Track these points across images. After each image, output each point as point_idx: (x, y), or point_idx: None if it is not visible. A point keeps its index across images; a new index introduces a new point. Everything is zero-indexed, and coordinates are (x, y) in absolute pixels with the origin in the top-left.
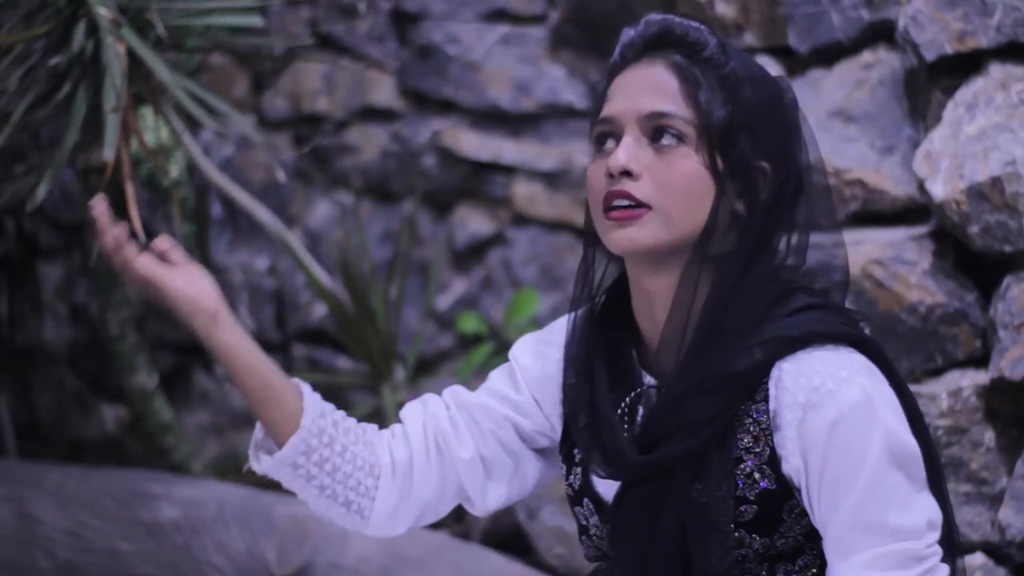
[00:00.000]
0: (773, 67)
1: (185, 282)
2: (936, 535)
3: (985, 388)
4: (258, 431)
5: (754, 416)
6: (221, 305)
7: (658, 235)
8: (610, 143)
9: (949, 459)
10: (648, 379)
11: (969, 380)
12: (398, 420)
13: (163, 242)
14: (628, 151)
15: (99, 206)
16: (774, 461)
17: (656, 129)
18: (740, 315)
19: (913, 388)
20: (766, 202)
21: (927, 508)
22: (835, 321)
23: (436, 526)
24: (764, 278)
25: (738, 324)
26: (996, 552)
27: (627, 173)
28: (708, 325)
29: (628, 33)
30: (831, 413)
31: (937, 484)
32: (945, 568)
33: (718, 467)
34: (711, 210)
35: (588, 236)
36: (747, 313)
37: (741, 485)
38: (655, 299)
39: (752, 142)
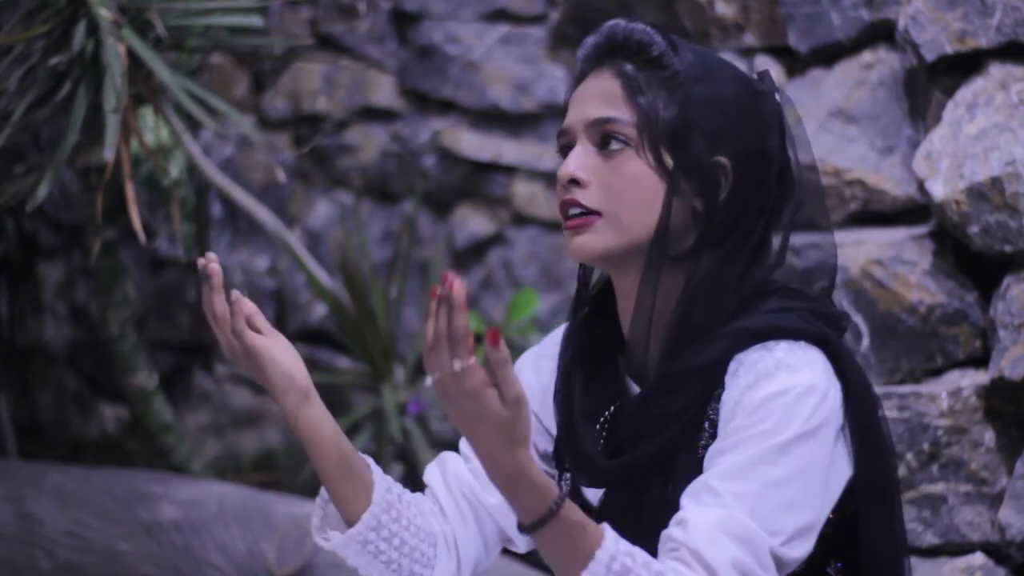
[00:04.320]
0: (773, 67)
1: (283, 356)
2: (795, 553)
3: (985, 388)
4: (319, 508)
5: (711, 416)
6: (310, 382)
7: (609, 240)
8: (563, 155)
9: (949, 459)
10: (633, 387)
11: (969, 380)
12: (398, 420)
13: (247, 305)
14: (576, 159)
15: (212, 265)
16: None
17: (603, 135)
18: (712, 318)
19: (913, 388)
20: (727, 197)
21: (798, 521)
22: (799, 319)
23: None
24: (736, 278)
25: (710, 327)
26: (996, 552)
27: (575, 181)
28: (680, 327)
29: (584, 46)
30: (765, 391)
31: (890, 501)
32: None
33: (687, 467)
34: (662, 209)
35: None
36: (718, 315)
37: None
38: (629, 301)
39: (706, 139)
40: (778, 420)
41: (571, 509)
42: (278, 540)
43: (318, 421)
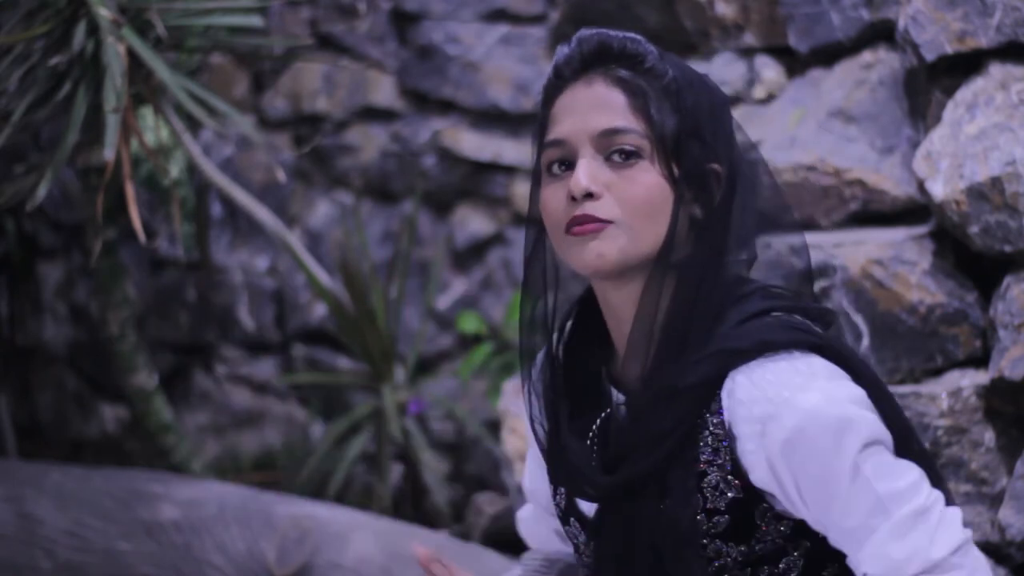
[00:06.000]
0: (773, 67)
1: None
2: (928, 484)
3: (985, 388)
4: None
5: (711, 429)
6: None
7: (626, 249)
8: (558, 166)
9: (949, 459)
10: (618, 396)
11: (969, 380)
12: (398, 420)
13: (449, 570)
14: (587, 172)
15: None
16: (739, 471)
17: (611, 147)
18: (699, 322)
19: (913, 388)
20: (721, 203)
21: (909, 467)
22: (787, 327)
23: (436, 526)
24: (720, 281)
25: (698, 332)
26: (996, 552)
27: (589, 195)
28: (671, 334)
29: (562, 51)
30: (790, 421)
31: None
32: (955, 510)
33: (682, 482)
34: (671, 218)
35: (532, 261)
36: (705, 319)
37: (709, 497)
38: (622, 312)
39: (701, 146)
40: (833, 451)
41: None
42: (278, 540)
43: None
